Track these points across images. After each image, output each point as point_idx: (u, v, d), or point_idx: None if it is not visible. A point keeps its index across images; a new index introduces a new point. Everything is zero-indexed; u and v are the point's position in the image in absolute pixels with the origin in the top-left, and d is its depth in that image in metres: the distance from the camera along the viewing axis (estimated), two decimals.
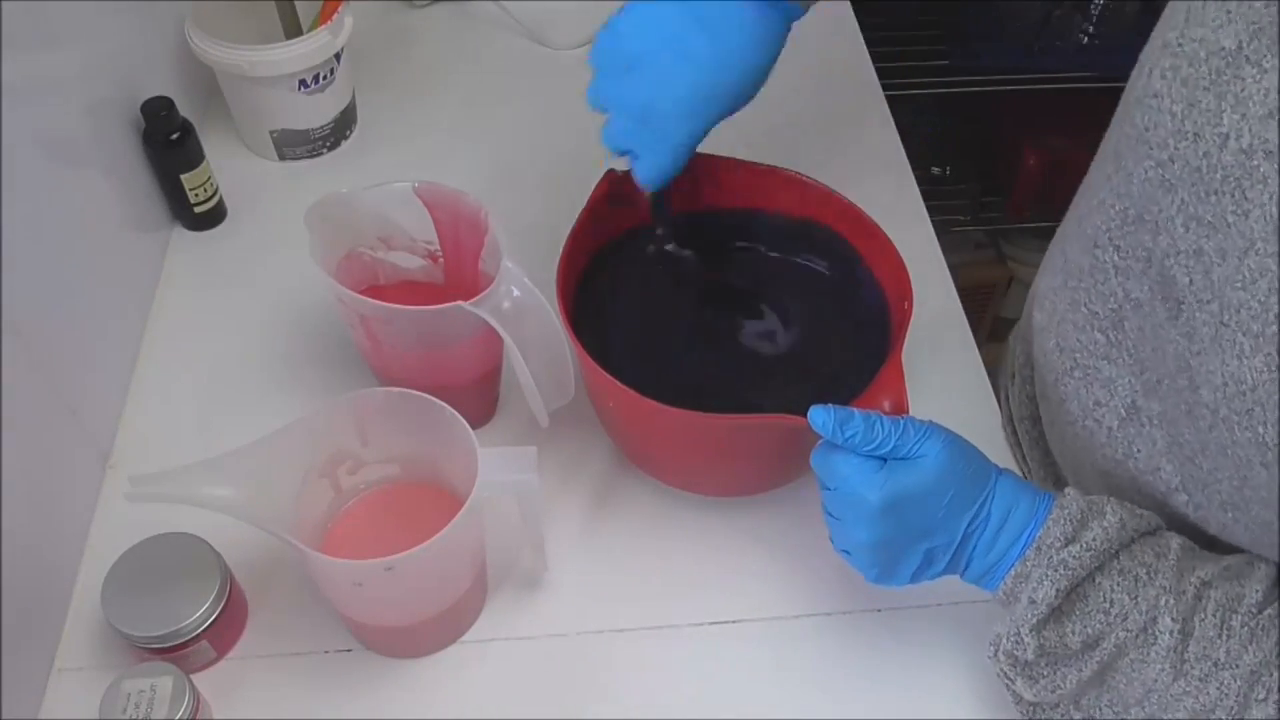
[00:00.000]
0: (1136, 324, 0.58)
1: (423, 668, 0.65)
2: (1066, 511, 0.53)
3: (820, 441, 0.58)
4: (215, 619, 0.61)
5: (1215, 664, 0.50)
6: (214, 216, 0.87)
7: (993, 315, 1.67)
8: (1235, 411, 0.49)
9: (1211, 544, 0.57)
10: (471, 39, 1.05)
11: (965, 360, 0.81)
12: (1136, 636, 0.51)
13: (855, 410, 0.56)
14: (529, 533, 0.63)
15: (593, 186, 0.71)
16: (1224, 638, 0.50)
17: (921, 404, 0.67)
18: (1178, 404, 0.55)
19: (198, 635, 0.61)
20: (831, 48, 1.03)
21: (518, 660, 0.65)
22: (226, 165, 0.89)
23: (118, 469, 0.73)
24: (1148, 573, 0.52)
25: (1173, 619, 0.51)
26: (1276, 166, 0.46)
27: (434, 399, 0.60)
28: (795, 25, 0.73)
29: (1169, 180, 0.52)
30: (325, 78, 0.88)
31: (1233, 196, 0.48)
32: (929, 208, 0.91)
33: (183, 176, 0.83)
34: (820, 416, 0.55)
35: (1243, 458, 0.50)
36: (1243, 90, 0.47)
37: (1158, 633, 0.51)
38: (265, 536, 0.55)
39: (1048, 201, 1.53)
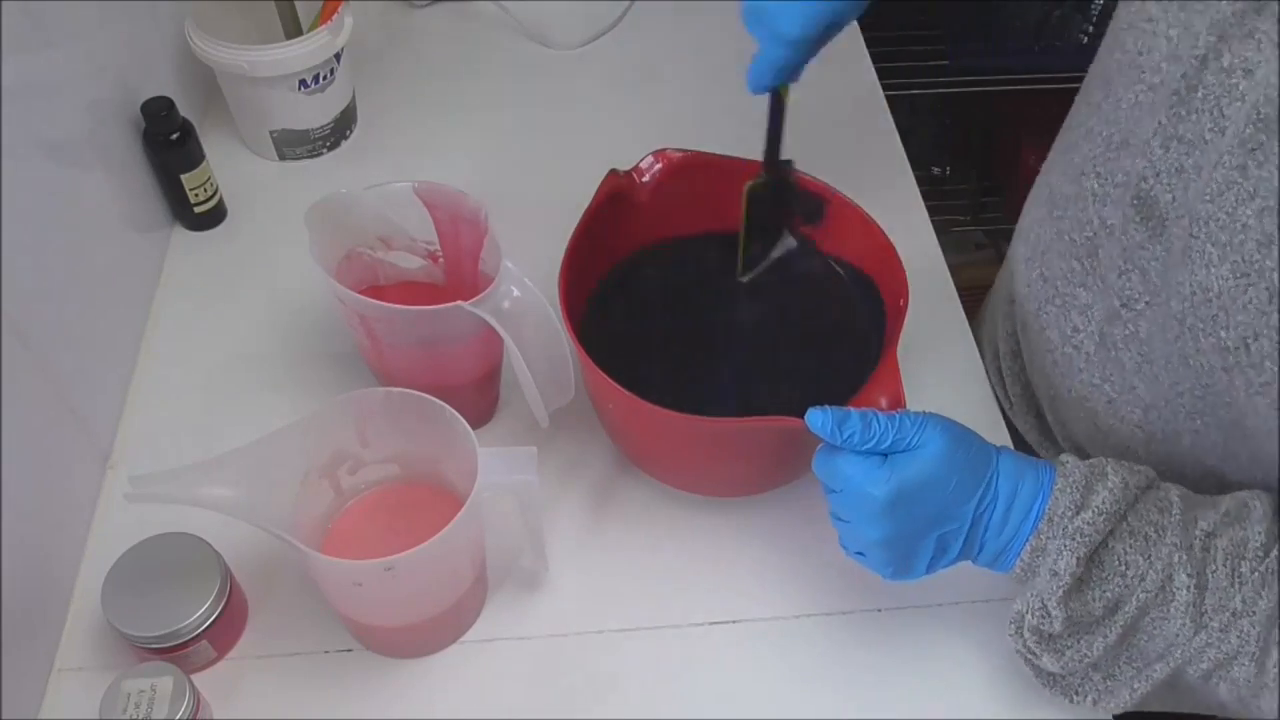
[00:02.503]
0: (1109, 250, 0.59)
1: (423, 668, 0.65)
2: (1071, 479, 0.54)
3: (820, 445, 0.58)
4: (215, 619, 0.61)
5: (1233, 614, 0.51)
6: (214, 216, 0.87)
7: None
8: (1201, 319, 0.52)
9: (1186, 463, 0.58)
10: (471, 39, 1.05)
11: (965, 360, 0.81)
12: (1155, 596, 0.52)
13: (851, 409, 0.56)
14: (529, 533, 0.63)
15: (592, 186, 0.71)
16: (1237, 586, 0.51)
17: (921, 403, 0.67)
18: (1150, 322, 0.57)
19: (198, 635, 0.61)
20: (832, 48, 1.03)
21: (518, 660, 0.65)
22: (227, 165, 0.89)
23: (118, 469, 0.73)
24: (1156, 531, 0.53)
25: (1187, 575, 0.52)
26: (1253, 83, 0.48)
27: (434, 399, 0.60)
28: None
29: (1155, 102, 0.54)
30: (325, 78, 0.88)
31: (1211, 115, 0.51)
32: (929, 208, 0.91)
33: (183, 176, 0.83)
34: (817, 418, 0.55)
35: (1205, 365, 0.53)
36: (1222, 11, 0.50)
37: (1174, 589, 0.52)
38: (265, 536, 0.55)
39: None
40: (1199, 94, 0.51)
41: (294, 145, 0.92)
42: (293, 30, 0.88)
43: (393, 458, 0.66)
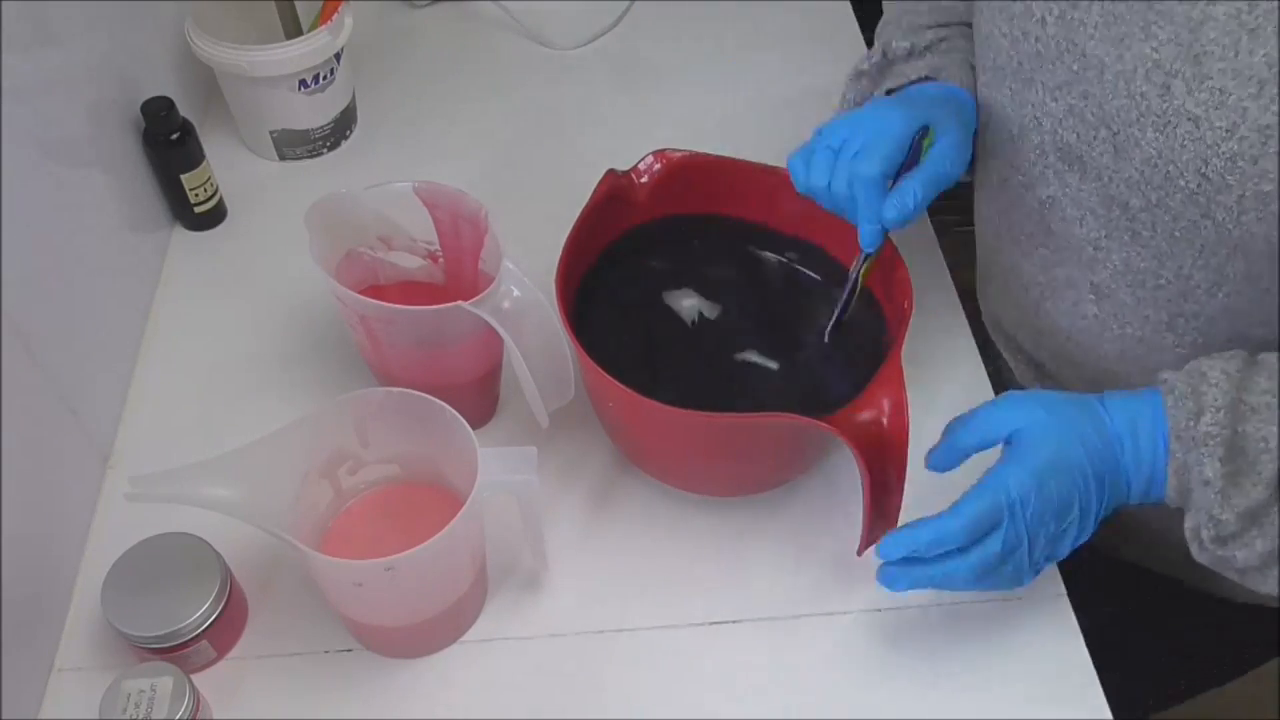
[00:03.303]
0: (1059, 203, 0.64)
1: (423, 668, 0.65)
2: (1177, 392, 0.55)
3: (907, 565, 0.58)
4: (215, 619, 0.61)
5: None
6: (214, 217, 0.87)
7: None
8: (1153, 186, 0.56)
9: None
10: (471, 39, 1.05)
11: (965, 360, 0.80)
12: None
13: (918, 527, 0.57)
14: (529, 533, 0.63)
15: (592, 186, 0.71)
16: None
17: (921, 403, 0.67)
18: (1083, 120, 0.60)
19: (198, 635, 0.61)
20: (832, 48, 1.03)
21: (518, 660, 0.65)
22: (227, 165, 0.89)
23: (118, 469, 0.73)
24: (1274, 396, 0.54)
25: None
26: None
27: (434, 399, 0.60)
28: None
29: (1029, 76, 0.60)
30: (325, 78, 0.88)
31: (1069, 53, 0.57)
32: (929, 208, 0.90)
33: (183, 176, 0.83)
34: (892, 548, 0.57)
35: (1190, 222, 0.56)
36: None
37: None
38: (265, 536, 0.55)
39: None
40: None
41: (294, 145, 0.92)
42: (293, 30, 0.88)
43: (393, 458, 0.66)
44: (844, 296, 0.70)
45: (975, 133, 0.69)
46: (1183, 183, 0.55)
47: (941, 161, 0.64)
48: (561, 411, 0.69)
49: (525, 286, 0.65)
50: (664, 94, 1.00)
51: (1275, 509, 0.55)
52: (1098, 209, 0.61)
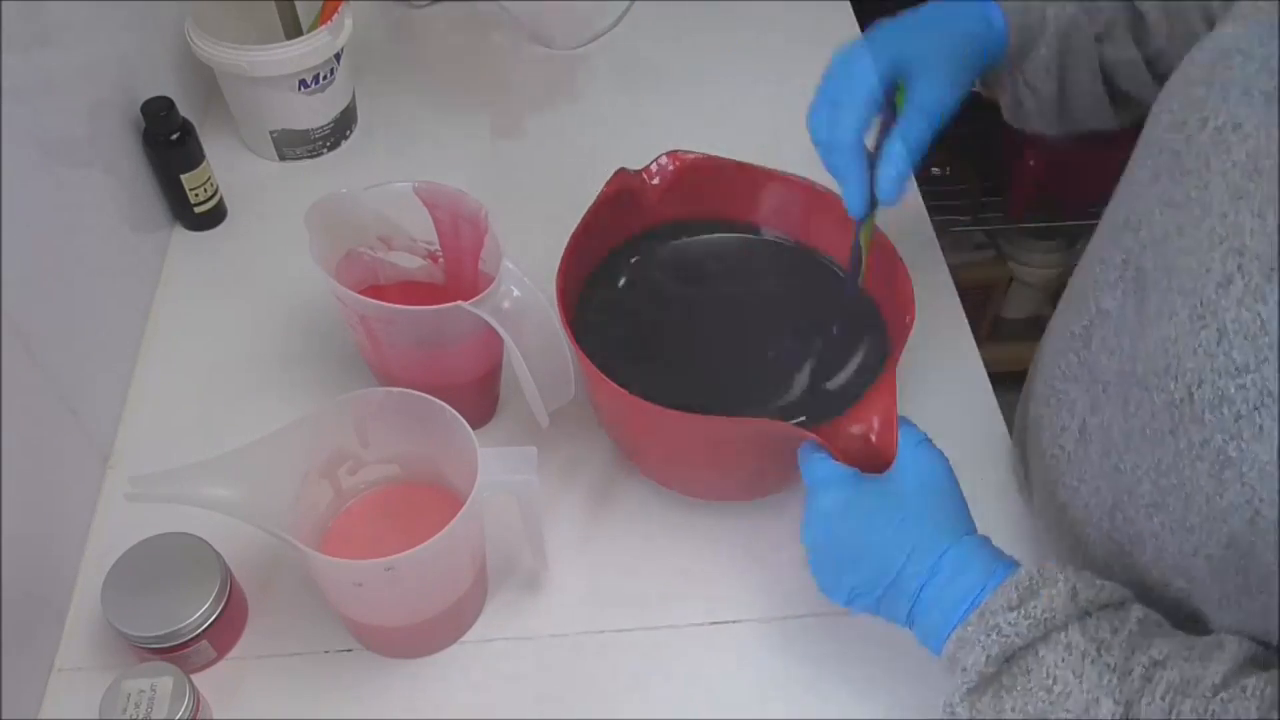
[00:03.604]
0: (1100, 335, 0.57)
1: (423, 668, 0.65)
2: (1015, 578, 0.51)
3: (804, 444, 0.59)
4: (215, 619, 0.61)
5: None
6: (214, 217, 0.87)
7: (993, 315, 1.67)
8: (1155, 372, 0.49)
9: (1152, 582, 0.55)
10: (472, 39, 1.05)
11: (965, 360, 0.80)
12: (1077, 718, 0.48)
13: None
14: (529, 533, 0.63)
15: (592, 186, 0.71)
16: None
17: (921, 403, 0.67)
18: (1115, 401, 0.54)
19: (198, 635, 0.61)
20: (832, 48, 1.03)
21: (518, 660, 0.65)
22: (227, 165, 0.89)
23: (118, 469, 0.73)
24: (1097, 649, 0.48)
25: (1115, 701, 0.47)
26: (1241, 139, 0.47)
27: (434, 399, 0.60)
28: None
29: (1157, 172, 0.52)
30: (325, 78, 0.88)
31: (1198, 174, 0.49)
32: (929, 208, 0.91)
33: (183, 177, 0.83)
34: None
35: (1156, 431, 0.50)
36: (1229, 76, 0.48)
37: (1099, 716, 0.47)
38: (265, 536, 0.55)
39: (1048, 202, 1.53)
40: (1193, 155, 0.49)
41: (294, 145, 0.92)
42: (293, 30, 0.88)
43: (393, 458, 0.66)
44: (851, 265, 0.68)
45: (993, 40, 0.63)
46: (1171, 386, 0.48)
47: (918, 116, 0.59)
48: (561, 411, 0.69)
49: (525, 286, 0.65)
50: (664, 94, 1.00)
51: None
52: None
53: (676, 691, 0.64)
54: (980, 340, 0.82)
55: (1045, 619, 0.49)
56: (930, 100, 0.59)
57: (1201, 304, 0.46)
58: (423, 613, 0.62)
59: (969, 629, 0.51)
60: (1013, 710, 0.49)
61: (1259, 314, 0.44)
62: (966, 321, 0.83)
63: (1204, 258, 0.47)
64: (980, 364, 0.80)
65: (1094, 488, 0.57)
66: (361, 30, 0.97)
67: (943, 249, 0.88)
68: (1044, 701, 0.49)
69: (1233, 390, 0.44)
